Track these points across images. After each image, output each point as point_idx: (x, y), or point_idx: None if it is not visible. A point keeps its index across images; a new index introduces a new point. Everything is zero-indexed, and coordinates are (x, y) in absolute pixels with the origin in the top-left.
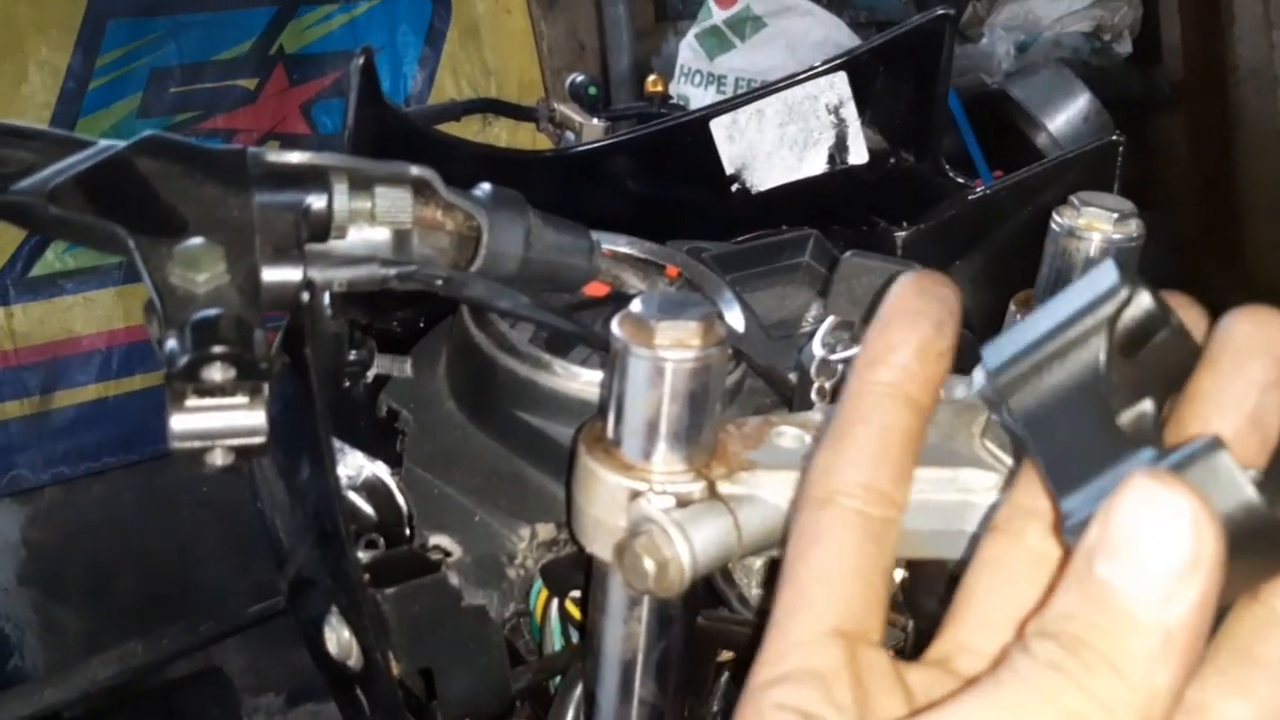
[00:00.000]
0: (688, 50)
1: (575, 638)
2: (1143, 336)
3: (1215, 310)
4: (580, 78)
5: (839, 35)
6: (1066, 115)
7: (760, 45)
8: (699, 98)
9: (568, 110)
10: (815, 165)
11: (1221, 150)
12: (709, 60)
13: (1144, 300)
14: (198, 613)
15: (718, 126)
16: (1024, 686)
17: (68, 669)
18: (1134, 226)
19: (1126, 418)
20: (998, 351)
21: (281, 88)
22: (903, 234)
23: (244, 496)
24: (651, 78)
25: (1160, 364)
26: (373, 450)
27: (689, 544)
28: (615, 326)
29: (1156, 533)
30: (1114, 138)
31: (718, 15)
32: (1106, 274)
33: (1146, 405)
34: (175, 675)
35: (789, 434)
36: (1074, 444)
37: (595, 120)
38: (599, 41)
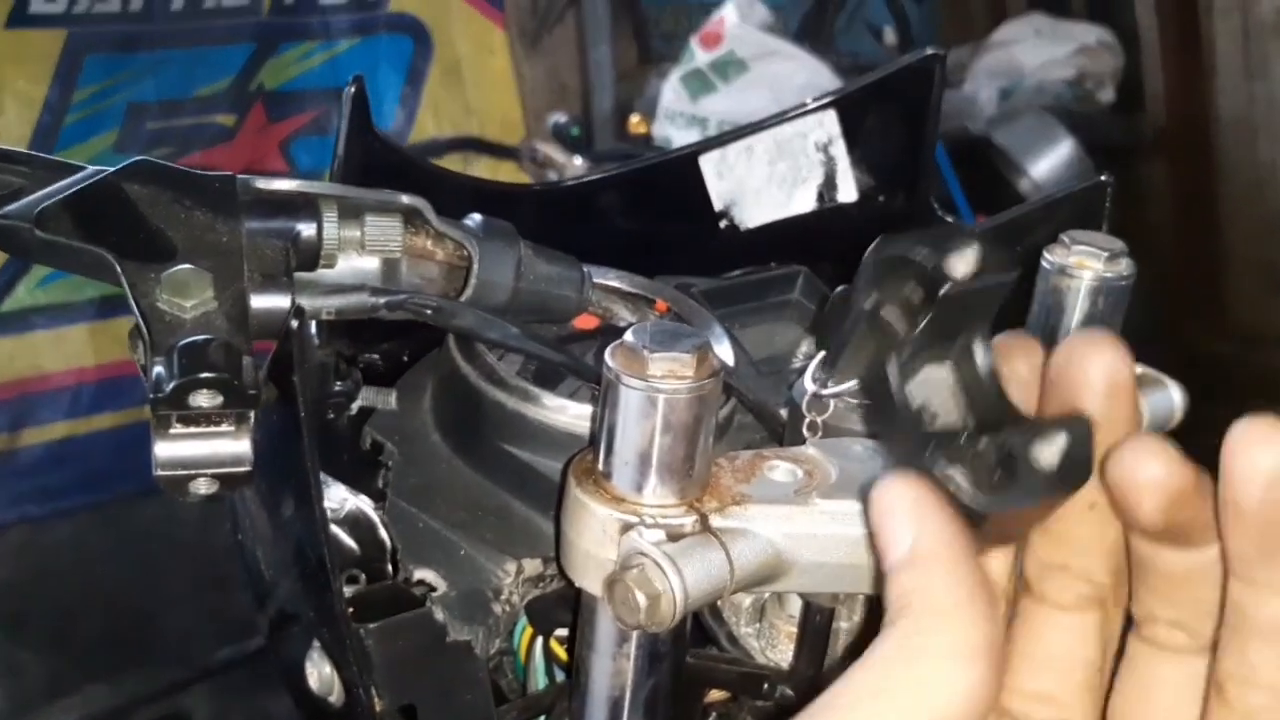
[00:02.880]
0: (670, 92)
1: (560, 677)
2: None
3: (1194, 359)
4: (563, 118)
5: (822, 79)
6: (1049, 161)
7: (743, 88)
8: (682, 140)
9: (550, 150)
10: (804, 203)
11: (1203, 199)
12: (692, 102)
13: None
14: (164, 657)
15: (707, 162)
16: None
17: (30, 713)
18: (1125, 265)
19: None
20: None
21: (260, 124)
22: None
23: (214, 539)
24: (634, 118)
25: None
26: (356, 483)
27: (681, 577)
28: (608, 357)
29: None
30: (1102, 178)
31: (701, 58)
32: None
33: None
34: None
35: (781, 468)
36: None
37: (578, 160)
38: (581, 82)
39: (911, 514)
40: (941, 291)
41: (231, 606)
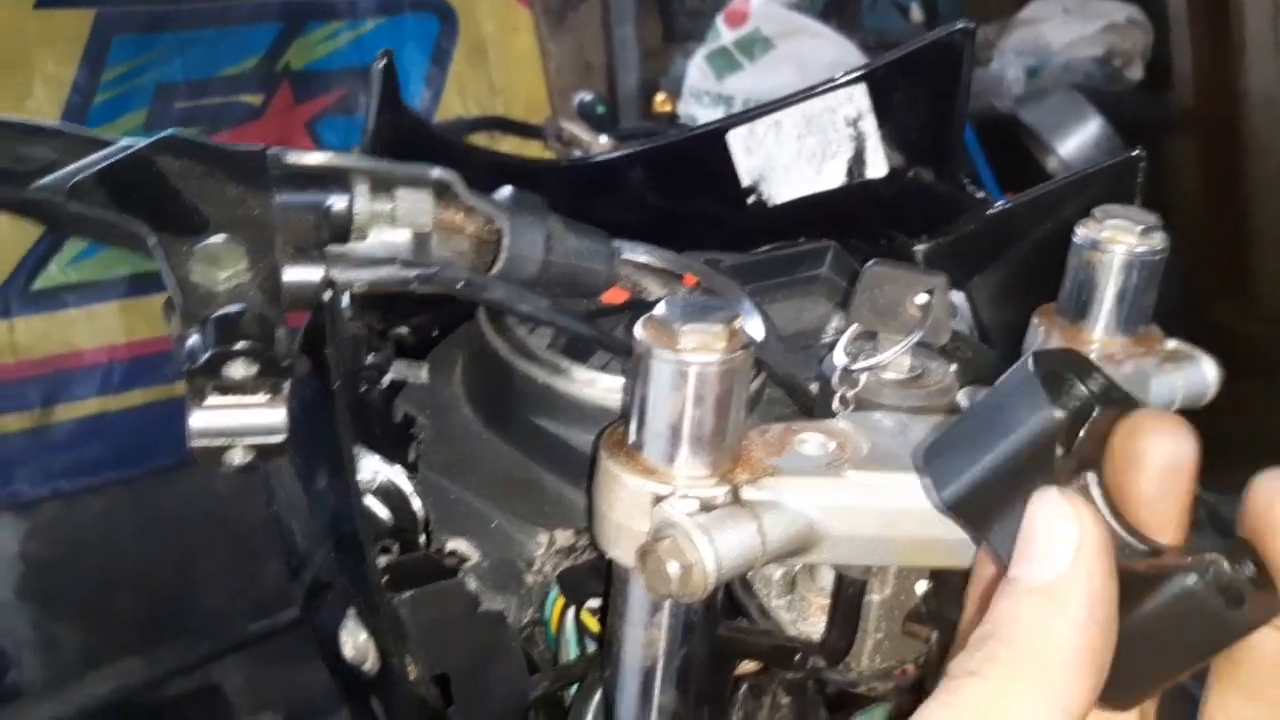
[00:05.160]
0: (696, 71)
1: (591, 648)
2: (1078, 426)
3: (1222, 340)
4: (588, 96)
5: (848, 57)
6: (1078, 140)
7: (769, 67)
8: (707, 119)
9: (575, 129)
10: (833, 178)
11: (1231, 177)
12: (717, 81)
13: (1075, 403)
14: (196, 630)
15: (735, 138)
16: (974, 683)
17: (64, 685)
18: (1158, 240)
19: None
20: (942, 466)
21: (287, 104)
22: (921, 248)
23: (245, 514)
24: (660, 97)
25: (1095, 437)
26: (388, 456)
27: (713, 548)
28: (639, 329)
29: (1050, 529)
30: (1135, 153)
31: (726, 36)
32: (1033, 398)
33: (1087, 479)
34: (173, 693)
35: (813, 441)
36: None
37: (603, 138)
38: (606, 61)
39: (1079, 536)
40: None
41: (263, 580)
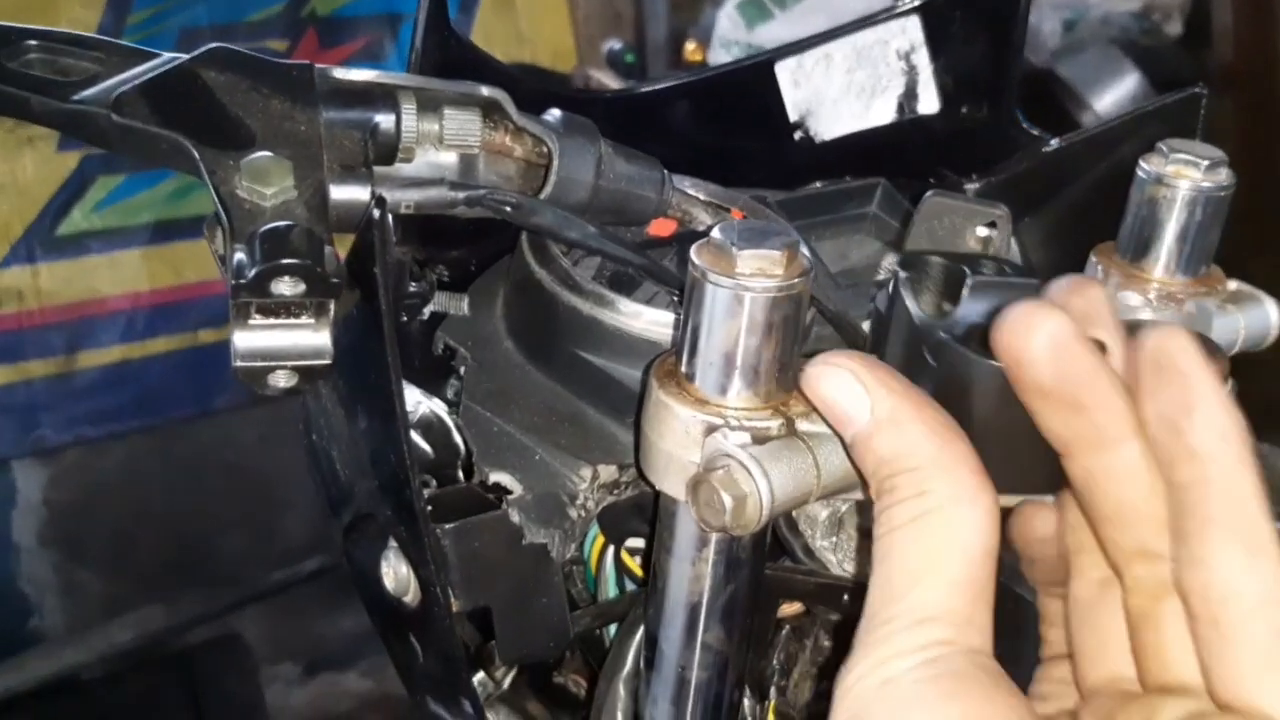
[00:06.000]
0: (726, 20)
1: (629, 588)
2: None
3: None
4: (617, 45)
5: (883, 4)
6: (1114, 95)
7: (801, 15)
8: None
9: (604, 77)
10: (883, 114)
11: (1271, 134)
12: (748, 30)
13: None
14: (217, 579)
15: (783, 70)
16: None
17: (87, 631)
18: (1224, 175)
19: None
20: None
21: (312, 51)
22: (974, 186)
23: (266, 463)
24: (690, 45)
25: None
26: (429, 388)
27: (768, 480)
28: (694, 254)
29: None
30: (1197, 89)
31: None
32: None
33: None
34: (194, 641)
35: None
36: None
37: None
38: (635, 9)
39: (862, 381)
40: None
41: (284, 529)
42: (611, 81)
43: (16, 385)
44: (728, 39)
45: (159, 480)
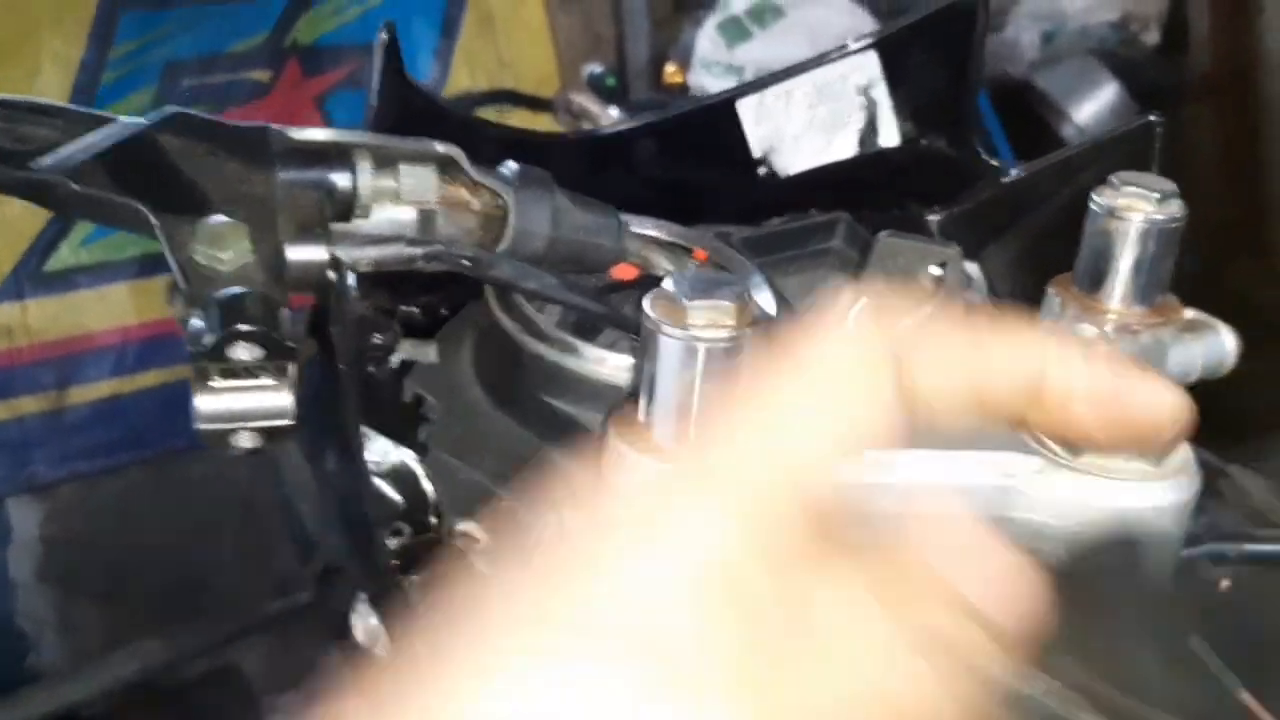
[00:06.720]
0: (706, 41)
1: None
2: None
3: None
4: (598, 69)
5: (861, 24)
6: (1093, 106)
7: (780, 35)
8: (718, 89)
9: (585, 101)
10: (845, 148)
11: (1250, 143)
12: (728, 50)
13: None
14: (215, 612)
15: (745, 108)
16: None
17: (86, 667)
18: (1176, 207)
19: None
20: None
21: (295, 80)
22: (936, 218)
23: (261, 495)
24: (670, 68)
25: None
26: (398, 437)
27: None
28: (647, 306)
29: None
30: (1151, 118)
31: (737, 4)
32: None
33: None
34: (193, 674)
35: None
36: None
37: (613, 110)
38: (616, 32)
39: None
40: None
41: (279, 561)
42: (593, 106)
43: (8, 422)
44: (708, 59)
45: (154, 514)
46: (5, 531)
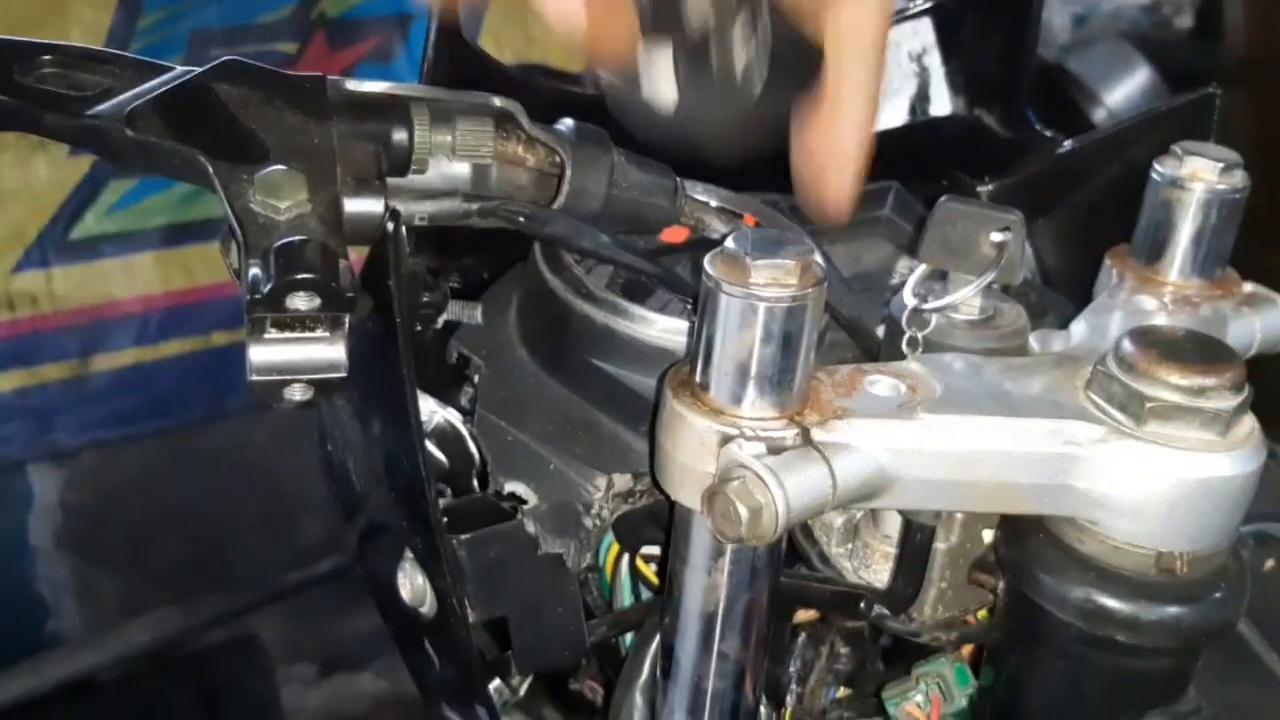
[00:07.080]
0: None
1: (644, 596)
2: None
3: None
4: None
5: (901, 2)
6: (1125, 90)
7: None
8: None
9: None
10: (896, 116)
11: None
12: None
13: None
14: (233, 580)
15: None
16: None
17: (103, 633)
18: (1239, 178)
19: None
20: None
21: (322, 53)
22: (986, 189)
23: (281, 465)
24: None
25: None
26: (442, 398)
27: (783, 490)
28: (708, 264)
29: None
30: (1210, 89)
31: None
32: None
33: None
34: (209, 643)
35: (884, 383)
36: None
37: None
38: None
39: None
40: None
41: (299, 531)
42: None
43: (31, 389)
44: None
45: (174, 482)
46: (26, 497)
